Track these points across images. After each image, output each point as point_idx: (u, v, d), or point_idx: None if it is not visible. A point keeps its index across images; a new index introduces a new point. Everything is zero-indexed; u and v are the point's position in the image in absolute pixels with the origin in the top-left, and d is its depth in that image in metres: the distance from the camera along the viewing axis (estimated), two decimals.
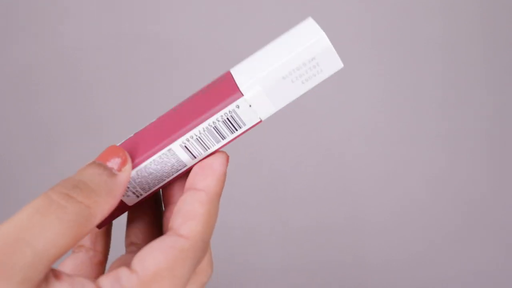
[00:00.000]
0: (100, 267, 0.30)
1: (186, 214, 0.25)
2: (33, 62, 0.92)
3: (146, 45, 0.90)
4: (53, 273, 0.23)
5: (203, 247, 0.25)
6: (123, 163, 0.26)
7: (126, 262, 0.30)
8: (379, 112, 0.89)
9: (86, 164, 0.26)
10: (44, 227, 0.22)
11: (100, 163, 0.25)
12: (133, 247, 0.31)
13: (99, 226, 0.30)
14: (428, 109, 0.88)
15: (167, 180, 0.28)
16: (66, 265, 0.29)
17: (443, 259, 0.93)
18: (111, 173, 0.25)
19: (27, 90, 0.93)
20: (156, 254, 0.24)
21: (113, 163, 0.26)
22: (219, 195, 0.26)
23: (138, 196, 0.29)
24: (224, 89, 0.26)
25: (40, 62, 0.92)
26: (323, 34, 0.25)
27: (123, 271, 0.24)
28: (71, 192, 0.23)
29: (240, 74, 0.26)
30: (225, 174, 0.27)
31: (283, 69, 0.25)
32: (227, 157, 0.27)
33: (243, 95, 0.26)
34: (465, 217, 0.92)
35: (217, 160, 0.27)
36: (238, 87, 0.26)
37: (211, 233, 0.25)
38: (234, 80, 0.26)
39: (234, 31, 0.88)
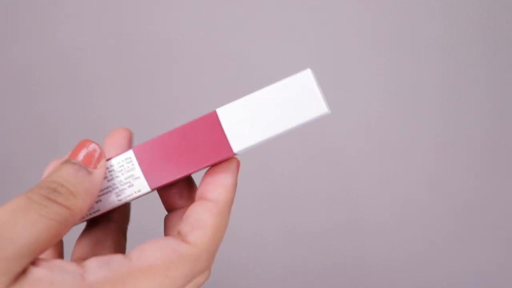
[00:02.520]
0: None
1: (194, 223, 0.25)
2: (33, 62, 0.92)
3: (147, 45, 0.90)
4: (31, 262, 0.23)
5: (207, 258, 0.25)
6: (98, 159, 0.26)
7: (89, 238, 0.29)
8: (380, 113, 0.89)
9: (61, 163, 0.25)
10: (27, 223, 0.22)
11: (75, 162, 0.25)
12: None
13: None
14: (429, 109, 0.88)
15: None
16: None
17: (443, 259, 0.93)
18: (87, 171, 0.25)
19: (27, 90, 0.93)
20: (156, 250, 0.23)
21: (87, 159, 0.25)
22: (229, 205, 0.26)
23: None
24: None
25: (41, 62, 0.92)
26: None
27: (117, 256, 0.24)
28: (51, 195, 0.24)
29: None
30: (235, 184, 0.26)
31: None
32: (238, 165, 0.27)
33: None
34: (465, 217, 0.92)
35: (228, 169, 0.26)
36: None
37: (218, 245, 0.25)
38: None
39: (235, 31, 0.88)
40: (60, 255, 0.30)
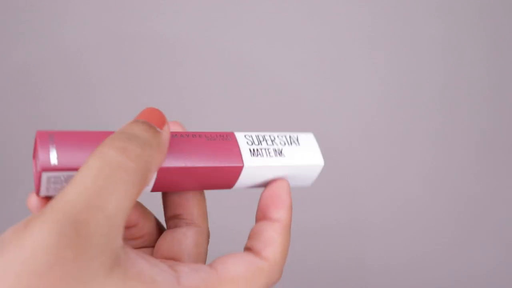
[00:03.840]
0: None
1: (266, 241, 0.28)
2: (35, 62, 0.92)
3: (150, 45, 0.90)
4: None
5: (280, 270, 0.28)
6: (163, 122, 0.26)
7: (175, 236, 0.30)
8: (381, 113, 0.89)
9: (129, 122, 0.25)
10: (111, 191, 0.21)
11: (144, 121, 0.25)
12: (175, 220, 0.31)
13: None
14: (429, 109, 0.88)
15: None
16: None
17: (443, 260, 0.93)
18: (156, 130, 0.25)
19: (29, 91, 0.93)
20: (238, 263, 0.26)
21: (153, 121, 0.25)
22: (290, 223, 0.29)
23: None
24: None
25: (42, 62, 0.92)
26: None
27: (203, 265, 0.25)
28: (128, 144, 0.22)
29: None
30: (291, 202, 0.29)
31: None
32: (289, 186, 0.30)
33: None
34: (467, 218, 0.91)
35: (284, 191, 0.29)
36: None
37: (286, 258, 0.29)
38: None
39: (236, 31, 0.88)
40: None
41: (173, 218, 0.31)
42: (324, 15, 0.86)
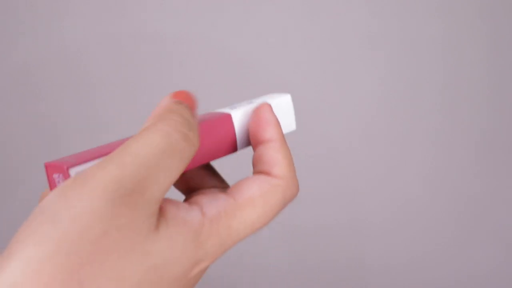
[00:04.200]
0: None
1: (269, 162, 0.29)
2: (35, 62, 0.92)
3: (149, 44, 0.90)
4: None
5: (294, 183, 0.29)
6: (194, 107, 0.28)
7: (204, 192, 0.31)
8: (381, 113, 0.89)
9: (173, 102, 0.26)
10: (170, 167, 0.24)
11: (187, 105, 0.27)
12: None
13: None
14: (430, 109, 0.88)
15: None
16: None
17: (443, 259, 0.93)
18: (195, 116, 0.27)
19: (29, 91, 0.93)
20: (252, 185, 0.27)
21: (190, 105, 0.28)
22: (283, 136, 0.30)
23: None
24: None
25: (42, 62, 0.92)
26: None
27: (220, 194, 0.27)
28: (189, 132, 0.25)
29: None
30: (277, 119, 0.30)
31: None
32: (270, 106, 0.31)
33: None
34: (467, 218, 0.91)
35: (265, 111, 0.30)
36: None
37: (294, 170, 0.29)
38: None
39: (236, 31, 0.88)
40: None
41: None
42: (324, 15, 0.86)
